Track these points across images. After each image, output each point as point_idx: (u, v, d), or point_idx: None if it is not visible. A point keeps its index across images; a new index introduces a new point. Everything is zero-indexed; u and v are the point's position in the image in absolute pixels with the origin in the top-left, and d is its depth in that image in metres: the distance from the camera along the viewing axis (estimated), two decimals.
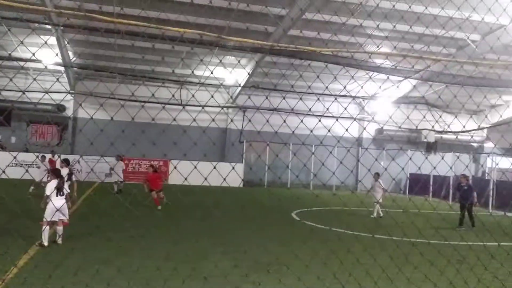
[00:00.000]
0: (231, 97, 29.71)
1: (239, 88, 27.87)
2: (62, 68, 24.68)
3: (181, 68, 25.24)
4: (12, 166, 23.25)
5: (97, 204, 14.61)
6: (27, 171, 5.72)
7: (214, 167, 6.38)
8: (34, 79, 9.87)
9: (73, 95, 26.61)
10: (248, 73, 24.89)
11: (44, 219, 9.11)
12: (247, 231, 12.34)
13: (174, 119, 7.19)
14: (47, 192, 9.25)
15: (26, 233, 9.45)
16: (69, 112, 27.43)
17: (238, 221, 14.06)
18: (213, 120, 7.95)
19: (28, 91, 22.68)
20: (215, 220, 13.77)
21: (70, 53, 23.47)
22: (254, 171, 27.78)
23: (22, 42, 5.16)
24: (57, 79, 7.63)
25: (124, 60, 23.96)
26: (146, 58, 23.83)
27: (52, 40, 21.00)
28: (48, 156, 19.64)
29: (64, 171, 11.87)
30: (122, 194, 19.52)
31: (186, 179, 5.85)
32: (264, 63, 23.49)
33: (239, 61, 11.55)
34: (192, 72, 8.31)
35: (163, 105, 8.72)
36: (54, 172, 9.87)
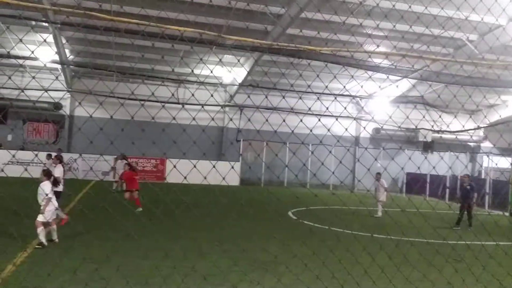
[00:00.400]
0: (230, 96, 29.68)
1: (238, 87, 27.84)
2: (59, 66, 24.58)
3: (180, 67, 25.20)
4: (9, 164, 23.30)
5: (95, 202, 14.57)
6: (25, 169, 5.70)
7: (214, 166, 6.40)
8: (33, 78, 9.83)
9: (70, 93, 26.51)
10: (247, 72, 24.86)
11: (42, 219, 8.99)
12: (245, 230, 12.34)
13: (174, 118, 7.16)
14: (47, 192, 9.10)
15: (24, 231, 9.39)
16: (66, 110, 27.35)
17: (236, 220, 14.05)
18: (213, 119, 7.95)
19: (25, 89, 22.58)
20: (213, 219, 13.76)
21: (67, 51, 23.39)
22: (251, 170, 27.80)
23: (21, 40, 5.13)
24: (56, 77, 7.61)
25: (123, 58, 23.90)
26: (146, 57, 23.76)
27: (50, 38, 20.92)
28: (54, 154, 19.47)
29: (59, 169, 11.70)
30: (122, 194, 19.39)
31: (185, 178, 5.85)
32: (263, 62, 23.48)
33: (238, 60, 11.54)
34: (192, 71, 8.29)
35: (162, 103, 8.70)
36: (47, 173, 9.64)
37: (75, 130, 27.18)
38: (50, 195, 9.09)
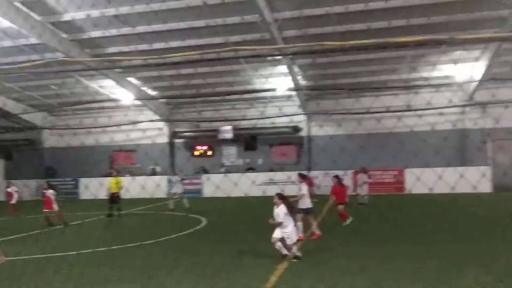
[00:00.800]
0: (468, 94, 26.96)
1: (475, 83, 25.22)
2: (294, 93, 26.75)
3: (408, 73, 24.36)
4: (261, 185, 26.23)
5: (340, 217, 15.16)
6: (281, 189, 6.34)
7: (458, 174, 5.98)
8: (280, 108, 10.98)
9: (306, 116, 28.47)
10: (485, 65, 22.32)
11: (278, 236, 9.46)
12: (506, 242, 10.95)
13: (407, 127, 7.01)
14: (281, 217, 9.49)
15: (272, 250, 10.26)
16: (304, 132, 29.38)
17: (493, 231, 12.59)
18: (452, 122, 7.43)
19: (269, 117, 25.13)
20: (465, 230, 12.71)
21: (299, 77, 25.31)
22: (506, 174, 24.58)
23: (262, 75, 5.86)
24: (297, 104, 8.35)
25: (350, 75, 24.50)
26: (372, 69, 23.87)
27: (284, 68, 23.08)
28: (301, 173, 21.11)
29: (303, 187, 12.41)
30: (366, 207, 19.62)
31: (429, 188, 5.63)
32: (503, 51, 20.82)
33: (473, 56, 10.56)
34: (423, 76, 7.91)
35: (393, 113, 8.64)
36: (280, 196, 9.82)
37: (314, 149, 28.88)
38: (281, 220, 9.45)
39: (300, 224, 11.80)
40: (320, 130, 28.19)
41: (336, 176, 14.85)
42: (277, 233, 9.54)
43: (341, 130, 27.52)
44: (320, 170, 25.73)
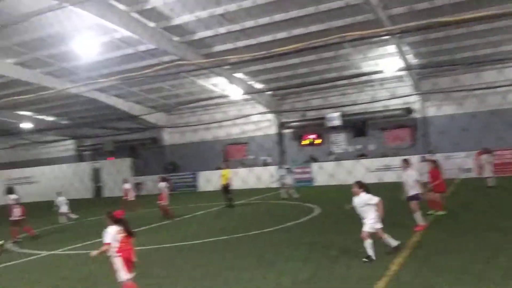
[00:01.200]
0: None
1: None
2: (405, 73, 25.36)
3: None
4: (375, 171, 25.56)
5: (465, 202, 14.23)
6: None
7: None
8: (391, 90, 10.54)
9: (420, 96, 26.85)
10: None
11: (367, 230, 8.74)
12: None
13: None
14: (365, 203, 8.84)
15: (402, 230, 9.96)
16: (419, 113, 27.75)
17: None
18: None
19: (378, 101, 24.33)
20: None
21: (410, 56, 23.95)
22: None
23: (370, 58, 5.68)
24: (409, 84, 7.93)
25: (464, 48, 22.58)
26: (490, 40, 21.73)
27: (392, 48, 22.03)
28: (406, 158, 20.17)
29: (407, 173, 11.67)
30: (495, 189, 18.17)
31: None
32: None
33: None
34: None
35: None
36: (359, 184, 9.03)
37: (431, 131, 27.15)
38: (374, 201, 8.74)
39: (418, 213, 11.23)
40: (437, 110, 26.44)
41: (434, 161, 14.46)
42: (366, 227, 8.75)
43: (462, 109, 25.47)
44: (440, 153, 24.14)
